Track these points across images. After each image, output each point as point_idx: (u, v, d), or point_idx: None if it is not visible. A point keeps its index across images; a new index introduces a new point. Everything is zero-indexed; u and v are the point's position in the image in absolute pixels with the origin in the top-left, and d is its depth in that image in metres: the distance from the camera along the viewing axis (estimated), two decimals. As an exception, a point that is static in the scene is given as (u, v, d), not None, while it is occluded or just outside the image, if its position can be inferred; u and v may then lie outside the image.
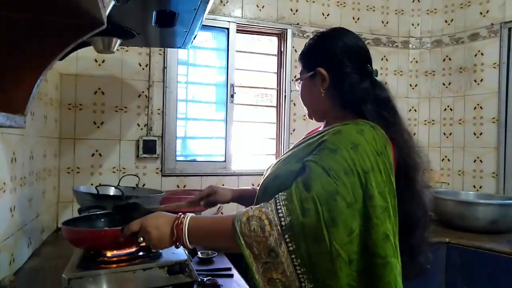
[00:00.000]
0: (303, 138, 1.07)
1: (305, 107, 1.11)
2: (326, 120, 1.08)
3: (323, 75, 1.01)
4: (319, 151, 0.88)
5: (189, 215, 0.92)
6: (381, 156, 0.86)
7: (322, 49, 1.04)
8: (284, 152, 1.18)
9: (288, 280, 0.80)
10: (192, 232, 0.89)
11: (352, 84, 0.99)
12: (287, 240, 0.79)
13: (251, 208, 0.85)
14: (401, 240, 0.87)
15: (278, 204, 0.82)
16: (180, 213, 0.93)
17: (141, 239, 0.94)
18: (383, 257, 0.81)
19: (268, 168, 1.12)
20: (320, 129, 1.10)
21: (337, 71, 1.00)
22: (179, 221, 0.90)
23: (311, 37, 1.11)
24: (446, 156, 2.70)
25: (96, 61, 2.11)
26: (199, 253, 1.50)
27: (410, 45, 2.81)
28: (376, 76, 1.02)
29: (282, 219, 0.80)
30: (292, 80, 1.05)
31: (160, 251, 1.10)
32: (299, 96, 1.11)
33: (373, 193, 0.82)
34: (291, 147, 1.10)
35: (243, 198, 1.32)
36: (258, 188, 1.09)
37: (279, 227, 0.80)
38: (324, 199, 0.79)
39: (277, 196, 0.84)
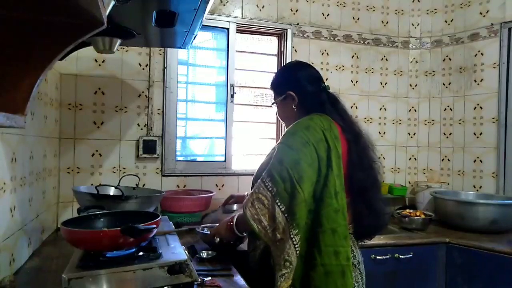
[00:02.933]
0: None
1: (282, 122, 1.52)
2: None
3: (292, 96, 1.41)
4: (283, 136, 1.26)
5: (237, 215, 1.33)
6: (327, 131, 1.22)
7: (287, 78, 1.47)
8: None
9: (285, 235, 1.13)
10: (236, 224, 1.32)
11: (313, 97, 1.39)
12: (278, 203, 1.14)
13: (251, 194, 1.20)
14: (359, 197, 1.25)
15: (265, 182, 1.17)
16: (233, 215, 1.35)
17: (218, 239, 1.40)
18: (321, 198, 1.16)
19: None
20: None
21: (300, 91, 1.40)
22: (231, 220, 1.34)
23: (277, 71, 1.63)
24: (446, 156, 2.70)
25: (96, 61, 2.12)
26: (199, 253, 1.50)
27: (410, 45, 2.81)
28: (329, 89, 1.42)
29: (271, 190, 1.15)
30: (272, 104, 1.54)
31: (160, 251, 1.10)
32: (277, 115, 1.52)
33: (322, 156, 1.18)
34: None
35: None
36: None
37: (271, 196, 1.15)
38: (293, 165, 1.15)
39: (261, 177, 1.19)
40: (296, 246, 1.13)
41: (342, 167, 1.21)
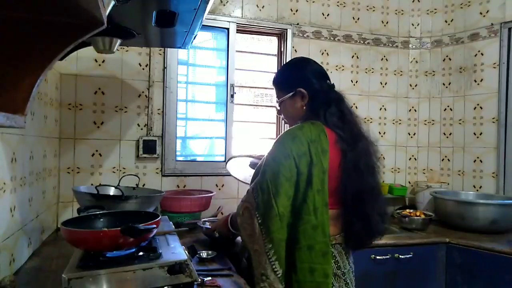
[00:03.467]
0: None
1: (286, 121, 1.42)
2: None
3: (303, 93, 1.32)
4: (273, 145, 1.23)
5: (231, 214, 1.39)
6: (313, 143, 1.17)
7: (296, 74, 1.37)
8: None
9: (260, 247, 1.13)
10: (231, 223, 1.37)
11: (322, 95, 1.31)
12: (257, 215, 1.15)
13: (242, 201, 1.22)
14: (352, 206, 1.21)
15: (253, 191, 1.18)
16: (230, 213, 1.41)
17: (217, 234, 1.56)
18: (300, 214, 1.13)
19: None
20: None
21: (310, 88, 1.32)
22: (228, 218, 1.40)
23: (281, 67, 1.50)
24: (446, 156, 2.70)
25: (96, 61, 2.12)
26: (199, 253, 1.50)
27: (410, 45, 2.81)
28: (334, 88, 1.35)
29: (256, 200, 1.16)
30: (277, 102, 1.42)
31: (160, 251, 1.10)
32: (281, 114, 1.42)
33: (303, 171, 1.15)
34: None
35: None
36: None
37: (255, 207, 1.16)
38: (272, 178, 1.14)
39: (252, 187, 1.19)
40: (271, 261, 1.11)
41: (327, 181, 1.16)
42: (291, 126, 1.33)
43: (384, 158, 2.73)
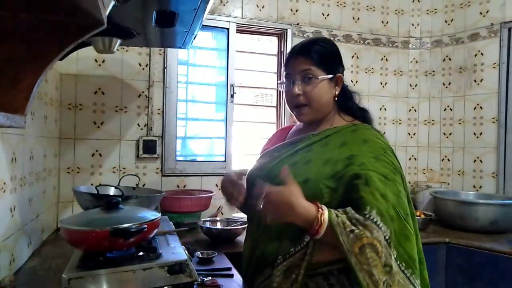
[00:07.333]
0: (298, 138, 1.18)
1: (305, 104, 1.12)
2: (317, 123, 1.17)
3: (340, 82, 1.15)
4: (363, 158, 1.00)
5: (327, 216, 0.93)
6: (393, 151, 1.08)
7: (338, 56, 1.19)
8: (274, 152, 1.21)
9: (404, 280, 0.94)
10: (326, 234, 0.93)
11: (352, 92, 1.19)
12: (392, 249, 0.93)
13: (358, 235, 0.91)
14: None
15: (377, 223, 0.92)
16: (320, 209, 0.94)
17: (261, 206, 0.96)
18: (411, 228, 1.01)
19: (260, 167, 1.24)
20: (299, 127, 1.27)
21: (342, 78, 1.16)
22: (319, 219, 0.93)
23: (324, 38, 1.23)
24: (446, 156, 2.70)
25: (96, 61, 2.11)
26: (199, 253, 1.50)
27: (410, 45, 2.81)
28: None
29: (385, 234, 0.92)
30: (310, 77, 1.11)
31: (160, 251, 1.10)
32: (310, 94, 1.11)
33: (404, 184, 1.05)
34: (284, 146, 1.18)
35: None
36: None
37: (385, 242, 0.92)
38: (396, 201, 0.96)
39: (369, 215, 0.92)
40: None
41: None
42: (306, 115, 1.13)
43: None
